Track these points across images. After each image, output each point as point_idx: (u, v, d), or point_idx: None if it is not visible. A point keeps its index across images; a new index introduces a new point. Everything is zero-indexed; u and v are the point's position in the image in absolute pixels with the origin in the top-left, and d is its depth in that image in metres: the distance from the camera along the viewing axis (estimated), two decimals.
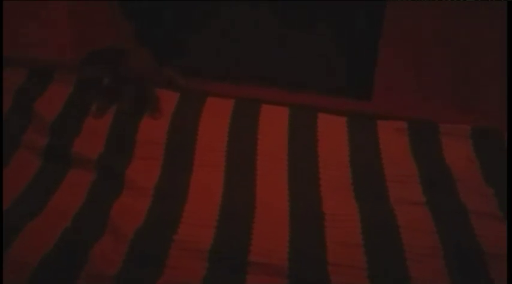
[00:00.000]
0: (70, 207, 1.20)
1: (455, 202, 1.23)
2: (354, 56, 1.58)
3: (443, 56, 1.53)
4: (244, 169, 1.33)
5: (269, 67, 1.62)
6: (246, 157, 1.37)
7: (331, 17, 1.57)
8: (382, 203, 1.25)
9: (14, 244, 1.08)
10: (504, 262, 1.07)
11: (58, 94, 1.52)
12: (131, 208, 1.20)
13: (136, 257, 1.07)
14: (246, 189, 1.28)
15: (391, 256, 1.10)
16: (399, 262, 1.09)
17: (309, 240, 1.14)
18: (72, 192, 1.25)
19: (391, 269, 1.08)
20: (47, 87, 1.54)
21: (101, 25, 1.63)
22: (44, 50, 1.62)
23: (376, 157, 1.37)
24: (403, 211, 1.21)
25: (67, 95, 1.52)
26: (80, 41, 1.67)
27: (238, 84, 1.57)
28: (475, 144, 1.39)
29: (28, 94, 1.51)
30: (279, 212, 1.21)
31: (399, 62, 1.53)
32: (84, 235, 1.12)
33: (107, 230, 1.14)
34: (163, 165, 1.34)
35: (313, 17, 1.58)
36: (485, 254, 1.09)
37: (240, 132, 1.44)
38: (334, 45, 1.59)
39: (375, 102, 1.53)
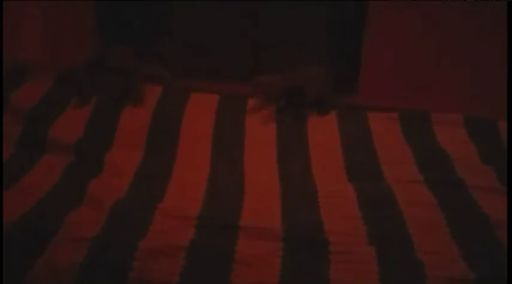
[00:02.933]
0: (43, 185, 1.11)
1: (453, 179, 1.17)
2: (340, 52, 1.56)
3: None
4: (231, 154, 1.26)
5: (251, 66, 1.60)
6: (233, 143, 1.30)
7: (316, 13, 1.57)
8: (378, 182, 1.18)
9: None
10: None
11: (37, 87, 1.46)
12: (110, 185, 1.12)
13: (117, 222, 0.98)
14: (233, 169, 1.20)
15: (391, 225, 1.03)
16: (400, 229, 1.01)
17: (302, 210, 1.06)
18: (46, 173, 1.16)
19: (393, 235, 1.00)
20: (25, 81, 1.48)
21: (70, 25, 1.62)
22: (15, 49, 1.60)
23: (368, 142, 1.31)
24: (400, 188, 1.14)
25: (46, 88, 1.46)
26: (51, 40, 1.65)
27: (223, 81, 1.54)
28: (469, 131, 1.35)
29: (6, 88, 1.44)
30: (269, 187, 1.14)
31: (385, 54, 1.52)
32: (58, 206, 1.03)
33: (84, 202, 1.05)
34: (146, 151, 1.27)
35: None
36: (491, 220, 1.03)
37: (226, 123, 1.38)
38: (320, 42, 1.58)
39: (363, 95, 1.49)
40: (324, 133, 1.34)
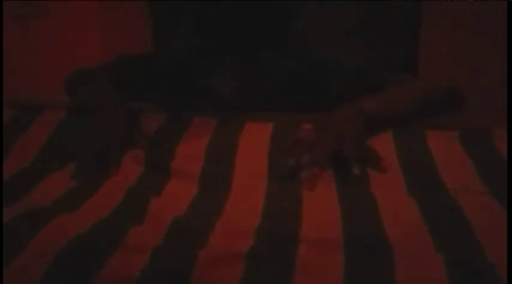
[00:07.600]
0: (106, 205, 1.12)
1: None
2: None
3: None
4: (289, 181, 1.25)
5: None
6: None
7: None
8: (441, 194, 1.14)
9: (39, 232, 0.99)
10: None
11: None
12: (170, 204, 1.13)
13: (177, 235, 0.98)
14: (290, 189, 1.19)
15: (458, 232, 0.98)
16: (468, 236, 0.97)
17: (362, 219, 1.03)
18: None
19: (461, 241, 0.95)
20: None
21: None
22: None
23: (427, 157, 1.28)
24: (465, 199, 1.10)
25: None
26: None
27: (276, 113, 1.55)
28: None
29: None
30: (327, 203, 1.12)
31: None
32: (120, 223, 1.04)
33: (146, 220, 1.06)
34: (200, 186, 1.26)
35: None
36: None
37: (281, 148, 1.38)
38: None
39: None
40: (379, 150, 1.32)
